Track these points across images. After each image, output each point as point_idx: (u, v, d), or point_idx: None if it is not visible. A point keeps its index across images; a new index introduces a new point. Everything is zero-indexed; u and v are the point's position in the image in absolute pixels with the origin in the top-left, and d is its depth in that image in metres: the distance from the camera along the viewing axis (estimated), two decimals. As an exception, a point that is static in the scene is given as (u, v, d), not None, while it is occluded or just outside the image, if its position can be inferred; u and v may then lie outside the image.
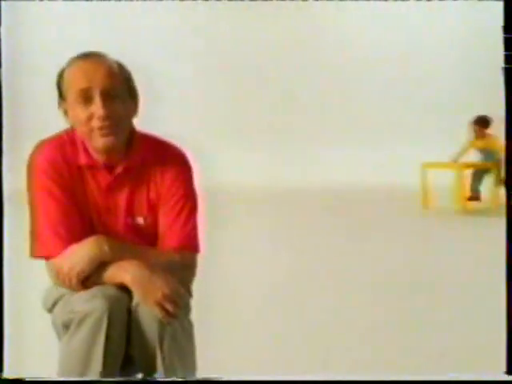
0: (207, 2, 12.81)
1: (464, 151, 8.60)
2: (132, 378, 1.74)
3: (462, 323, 3.31)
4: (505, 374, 1.88)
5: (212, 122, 13.29)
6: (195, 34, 13.36)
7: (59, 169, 1.68)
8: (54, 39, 12.90)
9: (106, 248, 1.62)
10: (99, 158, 1.71)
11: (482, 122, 8.39)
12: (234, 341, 3.06)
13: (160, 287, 1.55)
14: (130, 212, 1.74)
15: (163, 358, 1.58)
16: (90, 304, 1.55)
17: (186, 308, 1.64)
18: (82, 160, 1.71)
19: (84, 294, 1.60)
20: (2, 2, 2.07)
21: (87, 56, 1.68)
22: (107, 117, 1.62)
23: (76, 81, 1.64)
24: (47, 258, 1.69)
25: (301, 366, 2.72)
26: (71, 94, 1.65)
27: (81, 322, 1.53)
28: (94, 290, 1.60)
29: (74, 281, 1.60)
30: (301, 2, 12.95)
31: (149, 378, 1.77)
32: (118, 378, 1.68)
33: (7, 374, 1.88)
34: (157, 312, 1.55)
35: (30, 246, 1.72)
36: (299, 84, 13.33)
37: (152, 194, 1.75)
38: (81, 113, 1.63)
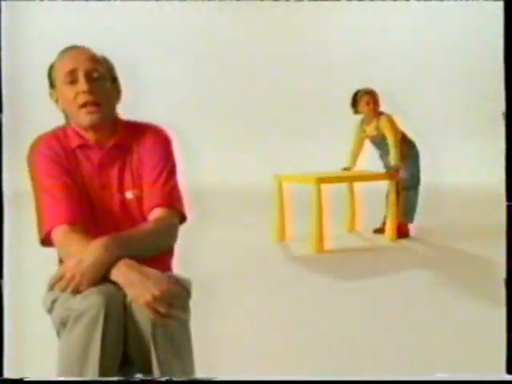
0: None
1: (357, 148, 6.22)
2: (132, 378, 1.74)
3: (463, 323, 3.31)
4: (505, 373, 1.87)
5: (201, 120, 13.28)
6: (188, 32, 13.38)
7: (58, 153, 1.82)
8: (54, 39, 12.89)
9: (114, 250, 1.64)
10: (89, 137, 1.83)
11: (370, 96, 5.79)
12: (232, 341, 3.07)
13: (150, 288, 1.55)
14: (121, 188, 1.85)
15: (158, 356, 1.58)
16: (87, 300, 1.55)
17: (181, 306, 1.64)
18: (74, 142, 1.84)
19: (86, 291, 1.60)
20: (2, 2, 2.15)
21: (75, 46, 1.86)
22: (91, 91, 1.76)
23: (63, 65, 1.81)
24: (53, 227, 1.74)
25: (300, 367, 2.73)
26: (59, 78, 1.81)
27: (77, 318, 1.53)
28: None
29: (78, 279, 1.59)
30: (299, 2, 12.95)
31: (149, 378, 1.77)
32: (118, 378, 1.68)
33: (7, 374, 1.88)
34: (148, 313, 1.55)
35: (38, 229, 1.79)
36: (292, 83, 13.34)
37: (135, 167, 1.87)
38: (68, 92, 1.79)
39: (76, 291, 1.59)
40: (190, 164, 10.56)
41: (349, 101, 6.21)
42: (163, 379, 1.60)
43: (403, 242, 5.75)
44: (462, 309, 3.59)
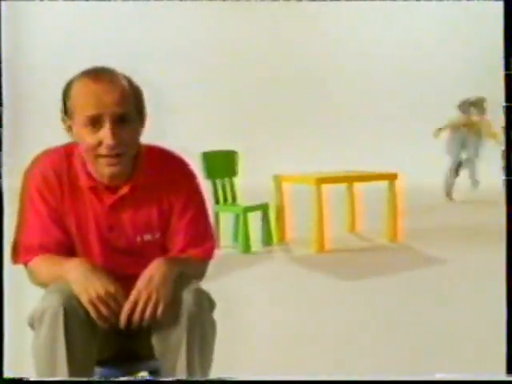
0: (215, 5, 12.82)
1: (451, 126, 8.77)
2: (132, 378, 1.74)
3: (463, 323, 3.32)
4: (505, 373, 1.87)
5: (209, 122, 13.29)
6: (196, 33, 13.38)
7: (52, 190, 1.68)
8: (54, 39, 12.90)
9: (174, 266, 1.66)
10: (102, 180, 1.67)
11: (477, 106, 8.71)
12: (232, 340, 3.07)
13: (95, 287, 1.54)
14: (138, 230, 1.72)
15: (190, 356, 1.57)
16: (46, 301, 1.54)
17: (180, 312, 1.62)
18: (83, 181, 1.68)
19: (44, 291, 1.60)
20: (2, 2, 2.06)
21: (98, 77, 1.59)
22: (116, 146, 1.57)
23: (85, 105, 1.57)
24: (25, 261, 1.71)
25: (300, 366, 2.73)
26: (79, 117, 1.58)
27: (40, 319, 1.53)
28: (51, 286, 1.60)
29: (155, 297, 1.58)
30: (302, 2, 12.97)
31: (149, 378, 1.77)
32: (118, 379, 1.68)
33: (7, 374, 1.88)
34: (90, 311, 1.53)
35: (11, 247, 1.73)
36: (304, 87, 13.34)
37: (164, 209, 1.73)
38: (89, 138, 1.58)
39: (155, 309, 1.56)
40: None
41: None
42: (167, 379, 1.60)
43: (403, 242, 5.76)
44: (462, 309, 3.59)
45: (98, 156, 1.59)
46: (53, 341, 1.51)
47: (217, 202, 5.60)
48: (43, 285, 1.67)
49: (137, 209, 1.71)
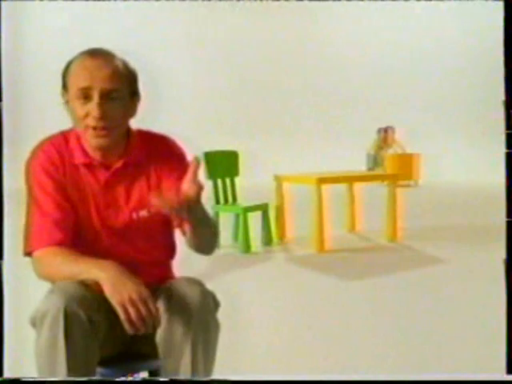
0: (212, 2, 12.82)
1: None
2: (132, 378, 1.74)
3: (463, 323, 3.32)
4: (505, 373, 1.88)
5: (210, 122, 13.29)
6: (198, 33, 13.38)
7: (56, 166, 1.74)
8: (54, 39, 12.91)
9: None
10: (96, 156, 1.74)
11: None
12: (231, 340, 3.07)
13: (128, 290, 1.53)
14: (133, 206, 1.77)
15: (194, 357, 1.58)
16: (48, 301, 1.54)
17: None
18: (78, 159, 1.74)
19: (46, 292, 1.59)
20: (2, 2, 2.07)
21: (95, 53, 1.68)
22: (102, 117, 1.64)
23: (78, 78, 1.66)
24: (39, 248, 1.69)
25: (300, 366, 2.73)
26: (72, 89, 1.67)
27: (42, 319, 1.53)
28: (53, 286, 1.59)
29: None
30: (302, 3, 12.96)
31: (149, 378, 1.77)
32: (118, 379, 1.68)
33: (7, 374, 1.88)
34: (119, 313, 1.52)
35: (24, 241, 1.72)
36: (301, 84, 13.34)
37: (153, 185, 1.79)
38: (79, 109, 1.66)
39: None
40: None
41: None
42: (167, 379, 1.60)
43: (403, 242, 5.76)
44: (462, 309, 3.59)
45: (87, 127, 1.66)
46: (54, 342, 1.52)
47: (217, 201, 5.60)
48: (50, 277, 1.66)
49: (130, 185, 1.77)
